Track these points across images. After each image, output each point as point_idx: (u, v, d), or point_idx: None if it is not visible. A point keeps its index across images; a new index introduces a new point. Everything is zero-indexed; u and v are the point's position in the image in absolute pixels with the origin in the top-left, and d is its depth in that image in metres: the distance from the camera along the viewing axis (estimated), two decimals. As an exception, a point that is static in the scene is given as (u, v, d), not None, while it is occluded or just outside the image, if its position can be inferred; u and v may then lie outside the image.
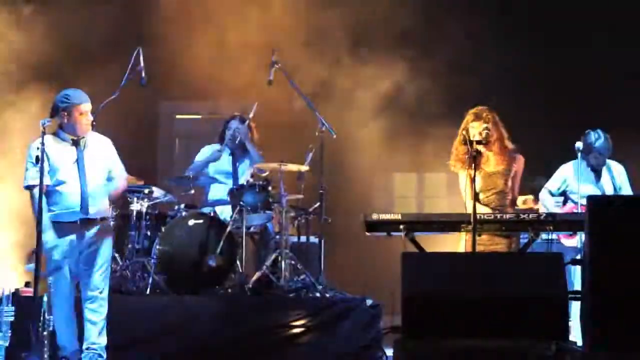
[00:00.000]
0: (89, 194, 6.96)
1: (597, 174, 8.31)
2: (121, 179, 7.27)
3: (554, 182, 8.44)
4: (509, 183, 7.17)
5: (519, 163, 7.23)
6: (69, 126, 7.00)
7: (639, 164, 8.73)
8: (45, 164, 6.68)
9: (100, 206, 7.04)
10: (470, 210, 6.95)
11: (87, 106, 7.03)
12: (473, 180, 6.76)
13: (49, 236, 6.89)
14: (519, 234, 7.14)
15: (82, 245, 6.97)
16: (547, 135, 10.11)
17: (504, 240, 7.01)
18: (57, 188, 6.91)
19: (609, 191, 8.23)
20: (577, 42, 10.72)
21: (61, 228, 6.92)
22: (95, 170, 7.05)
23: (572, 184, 8.28)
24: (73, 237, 6.94)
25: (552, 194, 8.46)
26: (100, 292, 7.00)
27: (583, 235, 7.84)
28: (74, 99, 6.97)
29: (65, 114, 6.97)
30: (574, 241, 8.26)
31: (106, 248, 7.07)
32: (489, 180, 7.12)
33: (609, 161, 8.35)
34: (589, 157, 8.24)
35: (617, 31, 10.61)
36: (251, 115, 9.04)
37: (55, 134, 7.02)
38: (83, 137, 7.03)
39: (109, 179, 7.17)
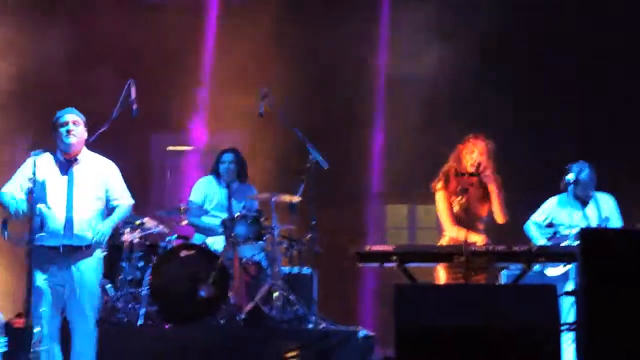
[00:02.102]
0: (75, 219, 6.81)
1: (583, 206, 8.37)
2: (124, 206, 7.13)
3: (540, 215, 8.52)
4: (487, 210, 7.23)
5: (497, 184, 7.25)
6: (58, 144, 6.93)
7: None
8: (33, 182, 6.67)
9: (88, 233, 6.88)
10: (450, 232, 7.02)
11: (67, 117, 6.92)
12: (464, 210, 6.78)
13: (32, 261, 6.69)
14: (498, 270, 7.19)
15: (66, 274, 6.80)
16: (534, 167, 10.18)
17: (483, 275, 7.01)
18: (43, 210, 6.75)
19: (594, 222, 8.28)
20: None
21: (44, 253, 6.73)
22: (86, 193, 6.90)
23: (557, 216, 8.36)
24: (56, 263, 6.79)
25: (539, 226, 8.51)
26: (86, 325, 6.84)
27: (568, 267, 8.06)
28: (56, 116, 6.94)
29: (54, 132, 6.94)
30: (557, 271, 8.31)
31: (93, 283, 6.91)
32: (469, 208, 7.13)
33: (596, 193, 8.41)
34: (576, 190, 8.31)
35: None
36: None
37: (53, 154, 6.95)
38: (76, 160, 6.92)
39: (110, 205, 7.05)
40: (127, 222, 8.52)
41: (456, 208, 7.09)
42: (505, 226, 7.58)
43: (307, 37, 10.66)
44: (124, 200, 7.14)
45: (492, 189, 7.23)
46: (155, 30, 10.47)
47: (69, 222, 6.80)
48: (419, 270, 7.07)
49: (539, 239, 8.40)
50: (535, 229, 8.47)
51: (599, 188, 8.44)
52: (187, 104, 10.66)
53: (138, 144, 10.76)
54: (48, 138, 7.02)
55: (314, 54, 10.73)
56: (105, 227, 7.00)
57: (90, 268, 6.90)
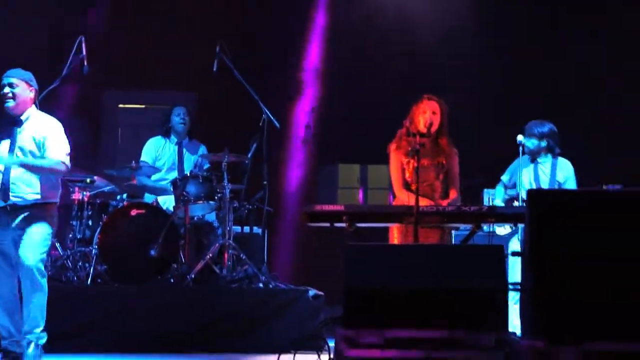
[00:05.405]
0: (12, 178, 6.73)
1: (536, 166, 8.30)
2: (54, 162, 6.81)
3: (506, 174, 8.43)
4: (441, 177, 7.18)
5: (454, 158, 7.22)
6: None
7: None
8: None
9: (29, 192, 6.78)
10: (399, 195, 7.02)
11: (4, 80, 6.82)
12: (416, 173, 6.74)
13: None
14: (450, 228, 7.19)
15: (12, 232, 6.76)
16: (490, 132, 10.18)
17: (437, 233, 7.02)
18: None
19: (545, 184, 8.26)
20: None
21: None
22: (24, 152, 6.80)
23: (517, 175, 8.26)
24: (2, 222, 6.76)
25: (506, 186, 8.45)
26: (33, 279, 6.72)
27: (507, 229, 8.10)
28: None
29: None
30: (505, 230, 8.32)
31: (36, 233, 6.75)
32: (421, 171, 7.04)
33: (558, 158, 8.31)
34: (528, 146, 8.21)
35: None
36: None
37: (5, 116, 6.86)
38: (20, 121, 6.80)
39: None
40: (77, 180, 8.46)
41: (407, 170, 7.06)
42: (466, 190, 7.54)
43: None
44: (56, 157, 6.85)
45: (450, 162, 7.17)
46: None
47: (4, 184, 6.75)
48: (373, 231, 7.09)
49: (497, 199, 8.38)
50: (500, 189, 8.43)
51: (566, 154, 8.38)
52: (140, 62, 10.53)
53: (89, 102, 10.63)
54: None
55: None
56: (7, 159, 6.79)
57: (34, 223, 6.77)
